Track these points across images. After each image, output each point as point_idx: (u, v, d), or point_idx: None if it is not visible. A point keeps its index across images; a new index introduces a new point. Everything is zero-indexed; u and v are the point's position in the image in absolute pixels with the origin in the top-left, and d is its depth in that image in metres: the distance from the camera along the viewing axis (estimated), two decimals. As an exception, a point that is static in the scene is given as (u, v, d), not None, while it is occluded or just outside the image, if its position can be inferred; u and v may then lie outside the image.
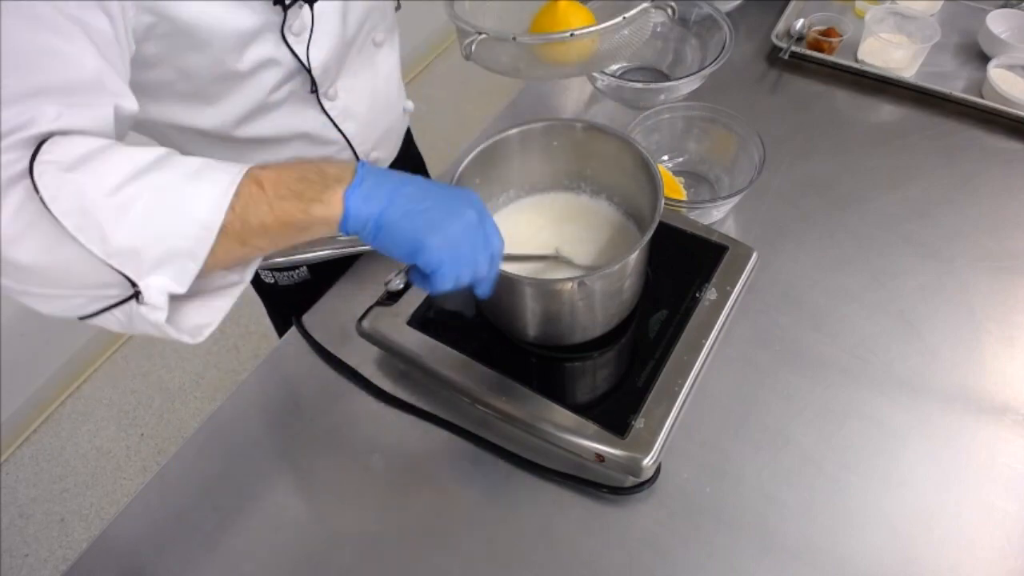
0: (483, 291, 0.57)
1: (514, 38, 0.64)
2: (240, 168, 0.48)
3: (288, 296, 0.93)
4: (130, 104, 0.51)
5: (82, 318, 0.48)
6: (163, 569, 0.67)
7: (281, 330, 0.87)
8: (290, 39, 0.65)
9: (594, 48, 0.68)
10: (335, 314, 0.83)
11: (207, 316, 0.51)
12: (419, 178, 0.54)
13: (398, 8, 0.81)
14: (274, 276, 0.93)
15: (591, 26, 0.64)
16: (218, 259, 0.49)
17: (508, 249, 0.58)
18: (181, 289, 0.47)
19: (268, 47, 0.64)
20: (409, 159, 1.05)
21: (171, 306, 0.48)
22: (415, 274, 0.54)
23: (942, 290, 0.81)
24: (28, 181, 0.43)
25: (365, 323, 0.74)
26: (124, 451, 1.73)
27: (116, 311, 0.48)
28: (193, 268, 0.47)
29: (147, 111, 0.65)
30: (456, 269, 0.52)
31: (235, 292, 0.53)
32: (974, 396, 0.72)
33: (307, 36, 0.66)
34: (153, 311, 0.47)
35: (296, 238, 0.51)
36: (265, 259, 0.55)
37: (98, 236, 0.44)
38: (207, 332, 0.51)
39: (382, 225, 0.50)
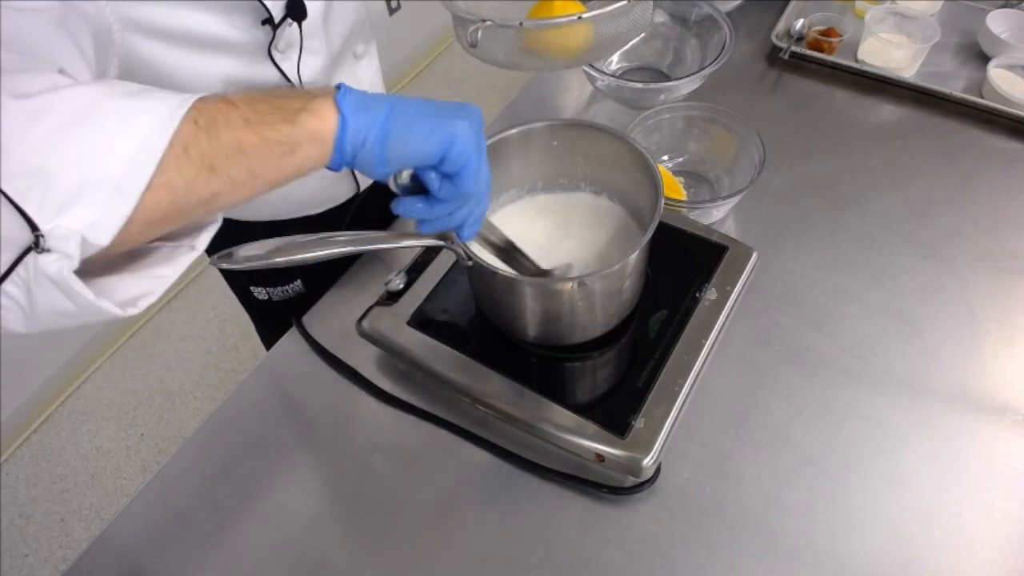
0: (470, 232, 0.53)
1: (520, 23, 0.64)
2: (197, 93, 0.39)
3: (282, 311, 0.90)
4: (81, 76, 0.44)
5: None
6: (163, 569, 0.67)
7: (272, 346, 0.84)
8: (276, 57, 0.64)
9: (593, 38, 0.68)
10: (335, 314, 0.83)
11: (145, 285, 0.41)
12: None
13: (397, 9, 0.81)
14: (268, 292, 0.92)
15: (599, 8, 0.64)
16: (176, 196, 0.38)
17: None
18: (103, 239, 0.35)
19: (254, 67, 0.64)
20: None
21: (96, 279, 0.38)
22: (430, 184, 0.47)
23: (942, 290, 0.81)
24: None
25: (365, 323, 0.74)
26: (124, 451, 1.73)
27: (8, 286, 0.34)
28: (122, 209, 0.35)
29: None
30: (480, 163, 0.47)
31: (184, 259, 0.43)
32: (974, 396, 0.72)
33: (294, 54, 0.65)
34: (57, 260, 0.34)
35: (279, 165, 0.42)
36: (262, 260, 0.51)
37: None
38: (144, 304, 0.41)
39: (389, 129, 0.43)
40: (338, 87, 0.44)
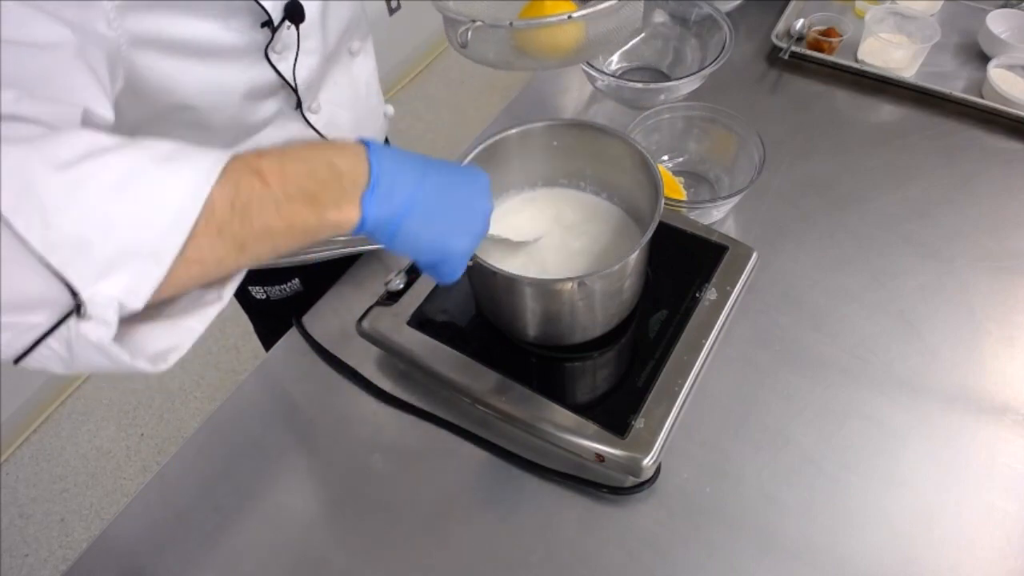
0: (450, 279, 0.55)
1: (510, 24, 0.64)
2: (226, 152, 0.40)
3: (280, 310, 0.90)
4: (104, 112, 0.45)
5: (16, 360, 0.37)
6: (163, 569, 0.67)
7: (270, 345, 0.84)
8: (273, 58, 0.64)
9: (584, 37, 0.68)
10: (335, 314, 0.83)
11: (174, 339, 0.42)
12: (434, 163, 0.50)
13: (397, 9, 0.82)
14: (265, 291, 0.92)
15: (589, 7, 0.64)
16: (207, 269, 0.40)
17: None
18: (137, 302, 0.37)
19: (251, 68, 0.64)
20: None
21: (126, 328, 0.39)
22: (424, 267, 0.53)
23: (942, 290, 0.81)
24: None
25: (365, 323, 0.74)
26: (124, 451, 1.73)
27: (51, 341, 0.36)
28: (156, 273, 0.37)
29: (136, 128, 0.64)
30: (467, 260, 0.52)
31: (211, 312, 0.45)
32: (974, 396, 0.72)
33: (290, 55, 0.65)
34: (97, 327, 0.36)
35: (299, 244, 0.44)
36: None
37: (39, 219, 0.34)
38: (173, 358, 0.42)
39: (400, 231, 0.47)
40: (369, 158, 0.45)
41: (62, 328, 0.36)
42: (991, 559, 0.62)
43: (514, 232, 0.72)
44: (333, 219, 0.44)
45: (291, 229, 0.42)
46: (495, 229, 0.72)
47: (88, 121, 0.44)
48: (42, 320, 0.36)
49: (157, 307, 0.41)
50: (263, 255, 0.43)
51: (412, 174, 0.47)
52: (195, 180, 0.38)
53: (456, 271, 0.52)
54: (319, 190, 0.43)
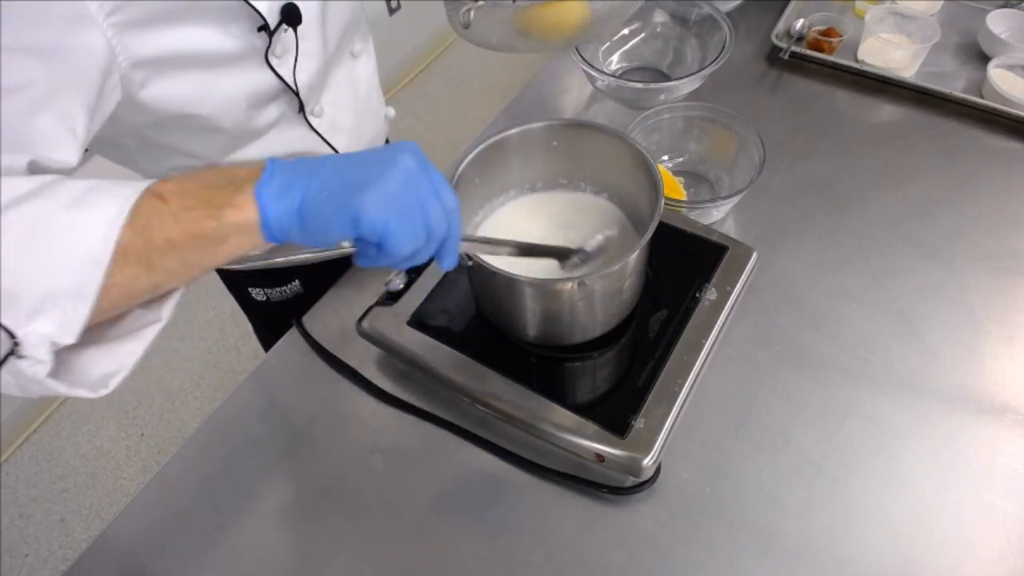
0: (449, 261, 0.50)
1: (514, 1, 0.64)
2: (137, 187, 0.42)
3: (280, 312, 0.90)
4: (62, 156, 0.45)
5: None
6: (163, 569, 0.67)
7: (270, 347, 0.84)
8: (273, 62, 0.64)
9: (588, 14, 0.67)
10: (335, 314, 0.83)
11: (113, 363, 0.44)
12: (345, 154, 0.48)
13: (397, 9, 0.81)
14: (266, 293, 0.92)
15: None
16: (124, 290, 0.42)
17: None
18: (69, 338, 0.39)
19: (252, 73, 0.64)
20: None
21: (69, 355, 0.41)
22: (364, 252, 0.47)
23: (942, 290, 0.81)
24: None
25: (365, 323, 0.74)
26: (124, 451, 1.73)
27: (3, 372, 0.39)
28: (82, 311, 0.39)
29: (139, 133, 0.64)
30: (408, 226, 0.45)
31: (150, 333, 0.46)
32: (974, 396, 0.72)
33: (290, 59, 0.65)
34: (33, 365, 0.39)
35: (213, 254, 0.44)
36: (261, 260, 0.50)
37: None
38: (114, 383, 0.44)
39: (305, 215, 0.44)
40: (267, 163, 0.45)
41: (8, 365, 0.39)
42: (991, 559, 0.62)
43: (518, 233, 0.72)
44: (231, 218, 0.43)
45: (192, 237, 0.43)
46: (499, 231, 0.71)
47: (39, 168, 0.44)
48: None
49: (98, 331, 0.43)
50: (174, 268, 0.44)
51: (311, 165, 0.46)
52: (104, 222, 0.40)
53: (386, 231, 0.44)
54: (214, 195, 0.43)
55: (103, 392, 0.43)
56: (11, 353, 0.39)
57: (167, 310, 0.47)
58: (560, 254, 0.67)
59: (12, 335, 0.38)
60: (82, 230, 0.39)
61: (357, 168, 0.45)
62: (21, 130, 0.44)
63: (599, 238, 0.68)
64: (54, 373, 0.40)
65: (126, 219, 0.40)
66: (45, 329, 0.39)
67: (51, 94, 0.45)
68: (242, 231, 0.44)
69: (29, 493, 1.66)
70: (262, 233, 0.44)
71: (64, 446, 1.74)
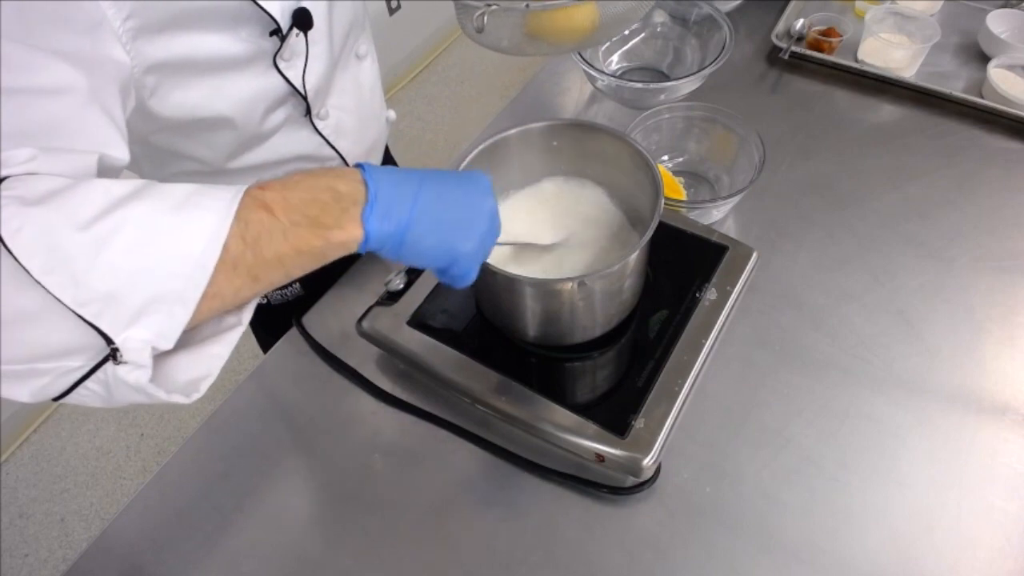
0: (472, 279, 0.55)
1: (526, 6, 0.64)
2: (236, 191, 0.42)
3: (281, 315, 0.89)
4: (119, 154, 0.46)
5: (56, 399, 0.40)
6: (163, 569, 0.67)
7: (269, 349, 0.85)
8: (281, 66, 0.64)
9: (598, 17, 0.67)
10: (335, 314, 0.83)
11: (202, 367, 0.44)
12: (432, 172, 0.50)
13: (397, 9, 0.81)
14: (266, 296, 0.92)
15: None
16: (225, 301, 0.42)
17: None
18: (167, 343, 0.40)
19: (260, 78, 0.64)
20: None
21: (159, 361, 0.41)
22: (438, 274, 0.53)
23: (942, 290, 0.81)
24: None
25: (365, 323, 0.74)
26: (124, 451, 1.73)
27: (90, 383, 0.40)
28: (182, 315, 0.40)
29: (146, 139, 0.64)
30: (479, 262, 0.52)
31: (233, 337, 0.47)
32: (974, 396, 0.72)
33: (299, 62, 0.65)
34: (134, 371, 0.39)
35: (310, 266, 0.46)
36: None
37: (69, 279, 0.36)
38: (204, 386, 0.44)
39: (405, 242, 0.47)
40: (365, 179, 0.46)
41: (99, 372, 0.39)
42: (991, 559, 0.62)
43: (526, 233, 0.72)
44: (338, 239, 0.45)
45: (299, 254, 0.44)
46: (517, 234, 0.72)
47: (104, 165, 0.45)
48: (80, 364, 0.38)
49: (185, 335, 0.42)
50: (276, 281, 0.45)
51: (409, 187, 0.48)
52: (211, 226, 0.40)
53: (468, 273, 0.52)
54: (321, 213, 0.44)
55: (195, 397, 0.43)
56: (106, 360, 0.39)
57: (247, 314, 0.47)
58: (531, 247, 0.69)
59: (110, 341, 0.38)
60: (189, 233, 0.39)
61: (456, 204, 0.49)
62: (80, 128, 0.44)
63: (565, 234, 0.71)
64: (153, 378, 0.40)
65: (231, 223, 0.40)
66: (143, 335, 0.39)
67: (93, 94, 0.46)
68: (343, 248, 0.46)
69: (29, 493, 1.66)
70: (358, 249, 0.46)
71: (64, 446, 1.74)
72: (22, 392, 0.39)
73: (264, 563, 0.66)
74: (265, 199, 0.43)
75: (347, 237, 0.45)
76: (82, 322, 0.37)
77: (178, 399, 0.42)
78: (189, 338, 0.44)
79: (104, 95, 0.47)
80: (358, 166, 0.48)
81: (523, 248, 0.71)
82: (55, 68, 0.43)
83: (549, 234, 0.73)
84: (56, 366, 0.38)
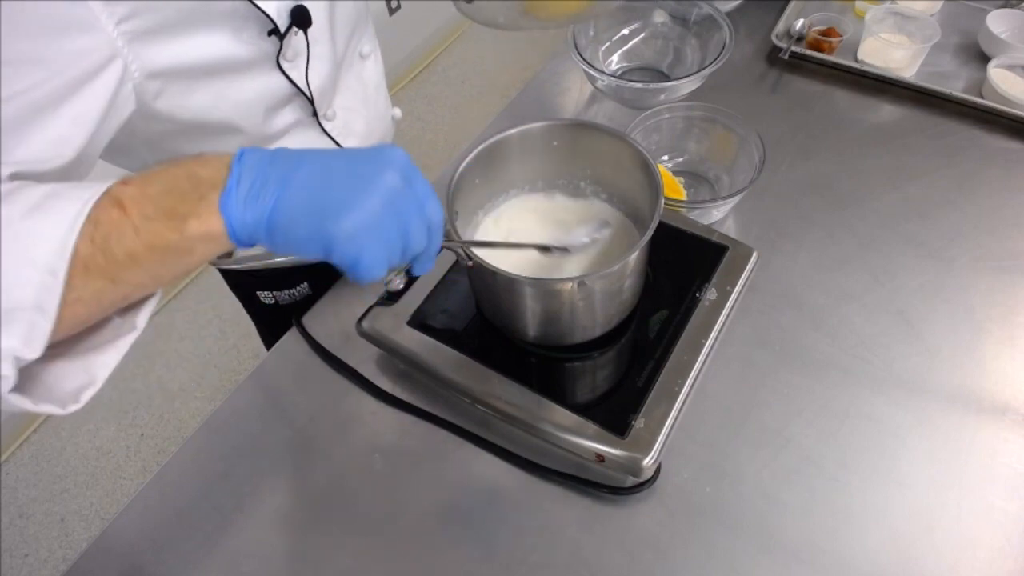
0: (422, 268, 0.49)
1: None
2: (95, 190, 0.40)
3: (288, 314, 0.88)
4: (48, 166, 0.44)
5: None
6: (163, 569, 0.67)
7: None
8: (285, 66, 0.64)
9: None
10: (335, 314, 0.83)
11: (85, 376, 0.42)
12: (326, 151, 0.44)
13: (397, 9, 0.81)
14: (274, 296, 0.92)
15: None
16: (91, 306, 0.41)
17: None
18: (33, 352, 0.38)
19: (264, 79, 0.63)
20: None
21: (38, 369, 0.40)
22: (339, 268, 0.45)
23: (942, 290, 0.81)
24: None
25: (365, 323, 0.74)
26: (124, 451, 1.73)
27: None
28: (44, 324, 0.38)
29: (154, 142, 0.64)
30: (383, 250, 0.43)
31: (124, 344, 0.44)
32: (974, 396, 0.72)
33: (302, 62, 0.65)
34: None
35: (179, 264, 0.42)
36: (262, 260, 0.48)
37: None
38: (86, 396, 0.42)
39: (275, 227, 0.41)
40: (232, 163, 0.42)
41: None
42: (991, 559, 0.62)
43: (517, 233, 0.72)
44: (194, 230, 0.41)
45: (155, 250, 0.41)
46: (499, 231, 0.71)
47: (19, 176, 0.43)
48: None
49: (68, 343, 0.41)
50: (141, 282, 0.42)
51: (284, 166, 0.42)
52: (60, 230, 0.38)
53: (356, 259, 0.42)
54: (176, 203, 0.41)
55: (73, 408, 0.42)
56: None
57: (142, 318, 0.45)
58: (543, 249, 0.66)
59: None
60: (38, 238, 0.38)
61: (335, 182, 0.42)
62: (3, 141, 0.43)
63: (585, 239, 0.67)
64: (20, 389, 0.39)
65: (82, 226, 0.38)
66: (7, 343, 0.37)
67: (42, 103, 0.44)
68: (207, 240, 0.41)
69: (29, 493, 1.66)
70: (230, 241, 0.42)
71: (64, 446, 1.74)
72: None
73: (264, 563, 0.66)
74: (121, 195, 0.40)
75: (205, 228, 0.41)
76: None
77: (49, 409, 0.41)
78: (76, 346, 0.42)
79: (65, 100, 0.46)
80: (237, 152, 0.43)
81: (523, 250, 0.70)
82: (7, 80, 0.42)
83: (550, 235, 0.73)
84: None
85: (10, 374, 0.38)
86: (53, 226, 0.38)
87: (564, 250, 0.66)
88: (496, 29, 0.69)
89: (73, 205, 0.39)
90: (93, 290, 0.40)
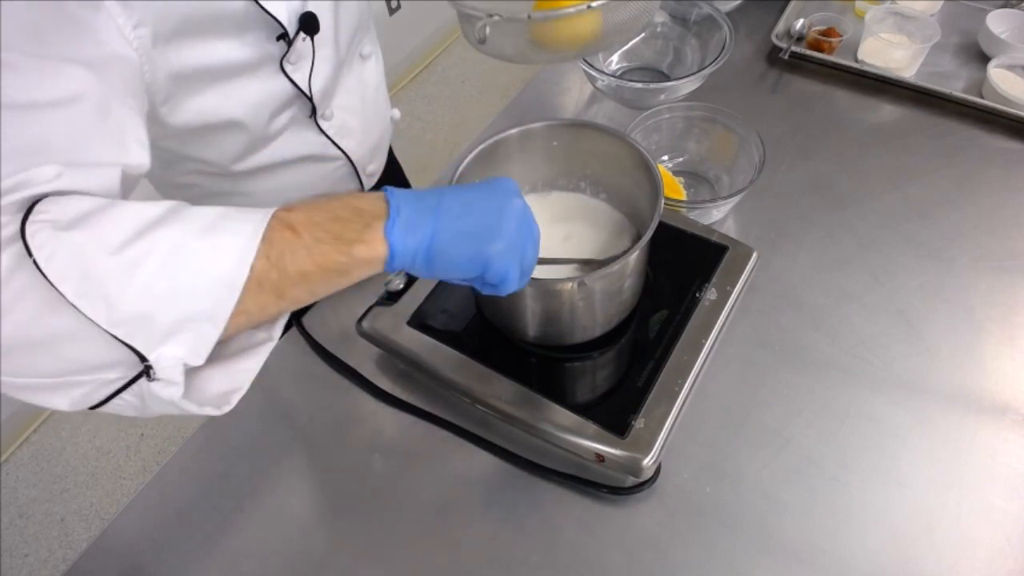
0: (524, 283, 0.52)
1: (528, 16, 0.64)
2: (264, 214, 0.43)
3: (292, 314, 0.90)
4: (139, 161, 0.47)
5: (93, 407, 0.42)
6: (163, 569, 0.67)
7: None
8: (288, 69, 0.64)
9: (602, 26, 0.67)
10: (335, 314, 0.83)
11: (232, 381, 0.46)
12: (452, 187, 0.50)
13: (397, 9, 0.82)
14: None
15: None
16: (252, 317, 0.44)
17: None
18: (198, 360, 0.41)
19: (267, 81, 0.64)
20: (393, 169, 1.04)
21: (189, 376, 0.42)
22: (480, 286, 0.50)
23: (942, 290, 0.81)
24: (20, 244, 0.37)
25: (365, 323, 0.74)
26: (124, 451, 1.73)
27: (126, 394, 0.42)
28: (212, 333, 0.41)
29: (154, 143, 0.64)
30: (519, 267, 0.49)
31: (264, 352, 0.48)
32: (974, 396, 0.72)
33: (305, 65, 0.65)
34: (167, 387, 0.41)
35: (337, 284, 0.46)
36: None
37: (102, 302, 0.38)
38: (235, 399, 0.46)
39: (433, 254, 0.46)
40: (387, 197, 0.46)
41: (134, 386, 0.41)
42: (991, 559, 0.62)
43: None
44: (361, 254, 0.45)
45: (324, 271, 0.44)
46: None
47: (126, 175, 0.45)
48: (117, 376, 0.40)
49: (216, 350, 0.43)
50: (302, 298, 0.46)
51: (430, 199, 0.48)
52: (239, 247, 0.41)
53: (506, 277, 0.49)
54: (344, 230, 0.44)
55: (227, 409, 0.45)
56: (140, 375, 0.40)
57: (278, 329, 0.49)
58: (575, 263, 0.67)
59: (143, 358, 0.39)
60: (218, 254, 0.41)
61: (477, 211, 0.48)
62: (98, 138, 0.44)
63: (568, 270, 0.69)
64: (185, 393, 0.42)
65: (259, 244, 0.41)
66: (176, 352, 0.40)
67: (108, 103, 0.45)
68: (368, 265, 0.45)
69: (29, 493, 1.66)
70: (385, 266, 0.46)
71: (64, 446, 1.74)
72: (61, 402, 0.41)
73: (264, 563, 0.66)
74: (290, 219, 0.43)
75: (371, 253, 0.45)
76: (116, 341, 0.39)
77: (210, 411, 0.44)
78: (220, 352, 0.45)
79: (120, 102, 0.47)
80: (383, 189, 0.48)
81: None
82: (67, 77, 0.43)
83: (548, 238, 0.73)
84: (93, 379, 0.40)
85: (180, 381, 0.41)
86: (232, 243, 0.41)
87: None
88: (507, 62, 0.69)
89: (249, 224, 0.42)
90: (260, 304, 0.43)
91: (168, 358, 0.40)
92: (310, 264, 0.43)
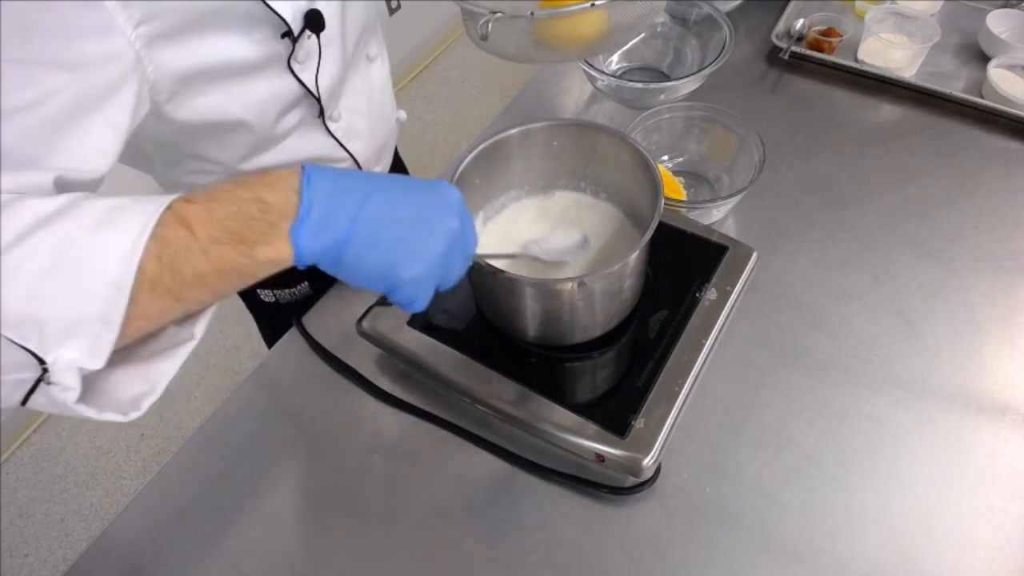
0: (447, 288, 0.51)
1: (531, 14, 0.64)
2: (156, 206, 0.40)
3: (288, 313, 0.88)
4: (91, 166, 0.45)
5: (23, 404, 0.41)
6: (163, 569, 0.67)
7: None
8: (295, 68, 0.64)
9: (606, 25, 0.67)
10: (335, 314, 0.83)
11: (146, 384, 0.44)
12: (387, 181, 0.46)
13: (397, 9, 0.81)
14: (275, 295, 0.92)
15: None
16: (153, 320, 0.42)
17: (499, 248, 0.55)
18: (97, 363, 0.39)
19: (274, 80, 0.63)
20: (398, 170, 1.04)
21: (99, 377, 0.41)
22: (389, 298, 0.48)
23: (942, 290, 0.81)
24: None
25: (365, 323, 0.74)
26: (124, 451, 1.73)
27: (37, 395, 0.40)
28: (108, 337, 0.39)
29: (159, 140, 0.64)
30: (433, 289, 0.47)
31: (183, 352, 0.46)
32: (974, 396, 0.72)
33: (312, 64, 0.65)
34: (62, 391, 0.39)
35: (240, 285, 0.44)
36: None
37: None
38: (146, 404, 0.43)
39: (342, 261, 0.43)
40: (301, 188, 0.43)
41: (40, 389, 0.39)
42: (991, 559, 0.62)
43: (517, 233, 0.71)
44: (264, 257, 0.42)
45: (223, 273, 0.42)
46: (499, 231, 0.71)
47: (66, 181, 0.44)
48: (28, 376, 0.39)
49: (127, 351, 0.42)
50: (204, 300, 0.44)
51: (353, 196, 0.44)
52: (124, 247, 0.39)
53: (414, 302, 0.47)
54: (245, 229, 0.42)
55: (135, 415, 0.43)
56: (40, 379, 0.39)
57: (200, 328, 0.47)
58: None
59: (41, 361, 0.38)
60: (105, 252, 0.39)
61: (403, 223, 0.44)
62: (42, 146, 0.43)
63: (567, 258, 0.69)
64: (83, 398, 0.40)
65: (148, 242, 0.39)
66: (71, 355, 0.38)
67: (75, 107, 0.44)
68: (275, 264, 0.43)
69: (29, 493, 1.66)
70: (294, 264, 0.44)
71: (64, 446, 1.74)
72: None
73: (264, 563, 0.66)
74: (186, 214, 0.41)
75: (275, 255, 0.42)
76: (11, 343, 0.37)
77: (111, 417, 0.42)
78: (135, 353, 0.43)
79: (94, 106, 0.46)
80: (301, 169, 0.44)
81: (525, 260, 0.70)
82: (33, 79, 0.42)
83: (549, 235, 0.73)
84: (11, 378, 0.39)
85: (75, 385, 0.39)
86: (118, 241, 0.39)
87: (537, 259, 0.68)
88: (509, 61, 0.69)
89: (137, 219, 0.40)
90: (159, 308, 0.41)
91: (64, 361, 0.38)
92: (207, 267, 0.41)
